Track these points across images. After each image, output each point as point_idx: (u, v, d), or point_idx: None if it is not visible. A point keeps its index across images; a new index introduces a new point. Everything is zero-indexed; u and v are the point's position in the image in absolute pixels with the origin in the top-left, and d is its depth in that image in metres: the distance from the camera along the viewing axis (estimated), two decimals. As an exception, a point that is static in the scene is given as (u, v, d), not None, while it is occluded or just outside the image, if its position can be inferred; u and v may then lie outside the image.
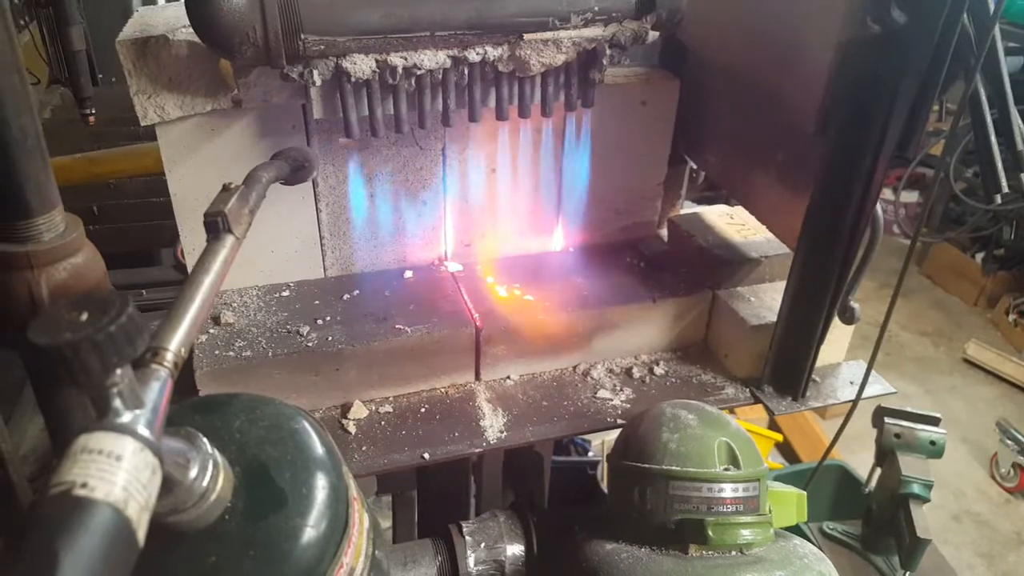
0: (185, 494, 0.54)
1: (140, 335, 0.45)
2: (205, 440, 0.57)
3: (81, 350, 0.42)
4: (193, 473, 0.55)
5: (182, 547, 0.58)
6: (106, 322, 0.43)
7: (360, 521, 0.69)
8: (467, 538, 1.05)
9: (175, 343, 0.54)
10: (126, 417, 0.46)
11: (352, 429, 1.14)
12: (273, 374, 1.12)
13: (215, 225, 0.66)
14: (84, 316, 0.44)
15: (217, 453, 0.59)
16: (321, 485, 0.64)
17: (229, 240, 0.67)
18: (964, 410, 3.39)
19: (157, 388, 0.49)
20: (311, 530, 0.61)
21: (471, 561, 1.03)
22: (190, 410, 0.67)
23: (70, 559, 0.37)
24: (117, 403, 0.46)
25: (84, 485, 0.41)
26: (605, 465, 1.76)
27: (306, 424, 0.69)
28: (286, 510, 0.61)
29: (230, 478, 0.60)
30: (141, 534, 0.43)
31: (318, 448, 0.67)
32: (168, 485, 0.52)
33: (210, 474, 0.56)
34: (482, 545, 1.05)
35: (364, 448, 1.11)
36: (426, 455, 1.11)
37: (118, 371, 0.45)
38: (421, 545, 1.07)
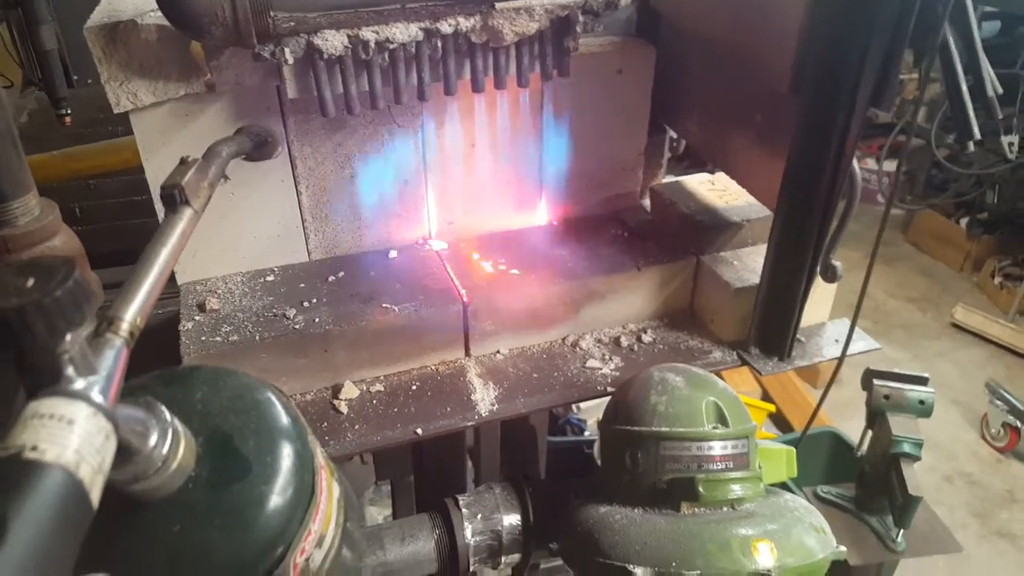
0: (145, 462, 0.54)
1: (88, 300, 0.45)
2: (164, 409, 0.57)
3: (27, 314, 0.42)
4: (152, 441, 0.55)
5: (146, 516, 0.58)
6: (52, 286, 0.43)
7: (328, 489, 0.69)
8: (464, 510, 1.06)
9: (130, 313, 0.54)
10: (79, 383, 0.46)
11: (344, 409, 1.14)
12: (261, 357, 1.12)
13: (172, 198, 0.66)
14: (31, 282, 0.43)
15: (177, 422, 0.58)
16: (286, 453, 0.64)
17: (187, 212, 0.66)
18: (953, 373, 3.43)
19: (112, 356, 0.49)
20: (276, 497, 0.61)
21: (468, 532, 1.04)
22: (153, 382, 0.67)
23: (19, 521, 0.37)
24: (69, 370, 0.45)
25: (35, 448, 0.40)
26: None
27: (270, 394, 0.69)
28: (250, 478, 0.61)
29: (192, 447, 0.60)
30: (95, 496, 0.42)
31: (282, 417, 0.67)
32: (127, 453, 0.52)
33: (170, 442, 0.56)
34: (479, 516, 1.06)
35: (357, 427, 1.12)
36: (419, 431, 1.11)
37: (68, 337, 0.45)
38: (419, 520, 1.07)
